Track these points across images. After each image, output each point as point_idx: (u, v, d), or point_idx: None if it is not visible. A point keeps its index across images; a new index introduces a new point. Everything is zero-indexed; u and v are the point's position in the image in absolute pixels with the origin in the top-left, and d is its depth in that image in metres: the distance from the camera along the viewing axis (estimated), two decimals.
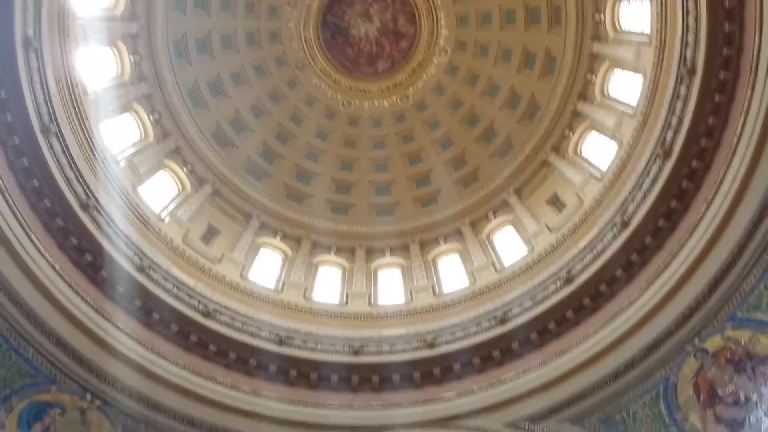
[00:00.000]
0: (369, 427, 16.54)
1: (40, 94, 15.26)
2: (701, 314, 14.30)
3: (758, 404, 13.15)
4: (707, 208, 14.61)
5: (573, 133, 22.23)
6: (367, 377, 17.50)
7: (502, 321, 17.72)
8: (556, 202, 21.66)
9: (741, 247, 13.79)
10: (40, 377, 13.93)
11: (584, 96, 22.13)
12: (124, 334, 15.26)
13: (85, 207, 16.08)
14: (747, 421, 13.16)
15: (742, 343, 13.66)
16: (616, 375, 15.25)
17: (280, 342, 17.67)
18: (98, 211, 16.45)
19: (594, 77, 21.66)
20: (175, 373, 15.80)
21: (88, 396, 14.39)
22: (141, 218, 18.52)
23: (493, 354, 17.29)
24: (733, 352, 13.79)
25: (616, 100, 20.60)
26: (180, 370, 15.95)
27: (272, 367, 17.16)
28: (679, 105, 15.68)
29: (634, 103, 18.78)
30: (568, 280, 17.26)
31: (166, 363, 15.82)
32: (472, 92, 25.77)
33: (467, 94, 25.85)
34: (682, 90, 15.57)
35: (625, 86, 20.15)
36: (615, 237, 16.77)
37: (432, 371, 17.41)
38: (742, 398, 13.43)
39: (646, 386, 14.80)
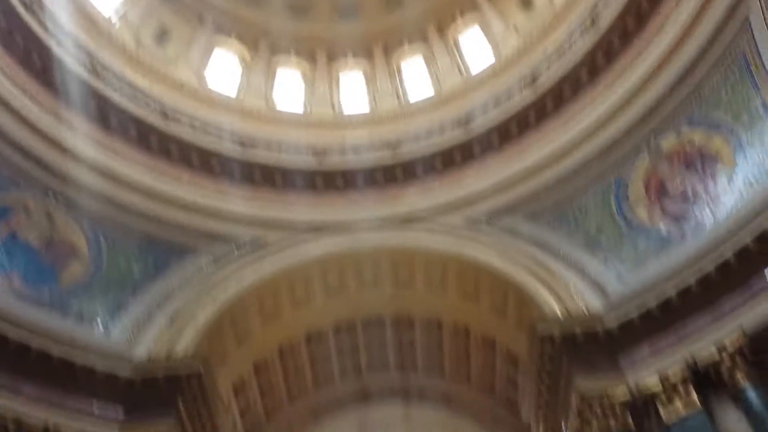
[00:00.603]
0: (334, 226, 17.16)
1: None
2: (660, 114, 14.55)
3: (705, 201, 13.73)
4: (676, 5, 14.27)
5: None
6: (331, 180, 17.84)
7: (466, 125, 17.83)
8: (526, 3, 20.81)
9: (704, 50, 13.73)
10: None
11: None
12: (81, 136, 15.01)
13: (29, 7, 14.98)
14: (692, 215, 13.83)
15: (696, 143, 14.00)
16: (572, 175, 15.82)
17: (243, 147, 17.65)
18: (43, 11, 15.37)
19: None
20: (137, 175, 15.90)
21: (51, 198, 14.44)
22: (89, 19, 17.41)
23: (455, 157, 17.63)
24: (687, 152, 14.19)
25: None
26: (143, 172, 16.04)
27: (236, 170, 17.30)
28: None
29: None
30: (533, 84, 17.14)
31: (128, 166, 15.83)
32: None
33: None
34: None
35: None
36: (582, 39, 16.43)
37: (395, 174, 17.81)
38: (690, 195, 14.03)
39: (600, 185, 15.42)
